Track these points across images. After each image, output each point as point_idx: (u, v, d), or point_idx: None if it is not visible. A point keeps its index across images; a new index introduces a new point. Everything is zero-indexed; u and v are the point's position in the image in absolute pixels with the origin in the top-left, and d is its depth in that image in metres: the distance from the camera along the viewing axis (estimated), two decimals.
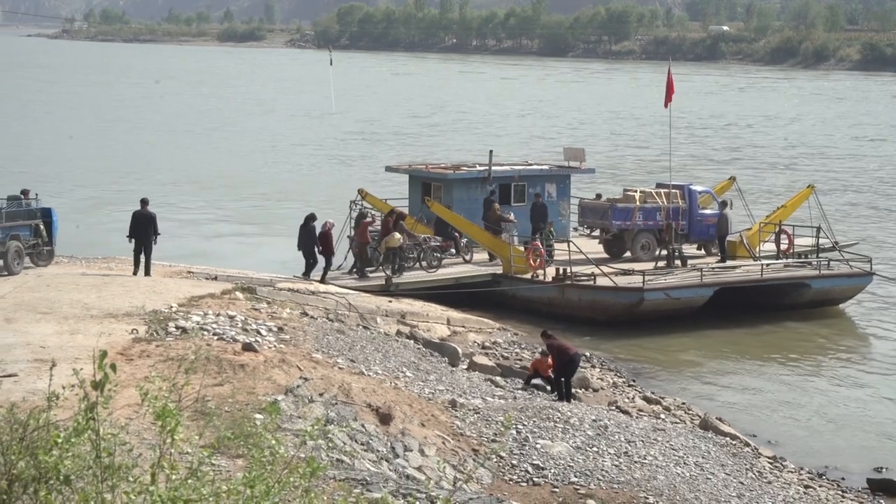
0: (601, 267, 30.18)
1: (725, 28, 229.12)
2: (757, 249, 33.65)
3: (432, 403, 18.71)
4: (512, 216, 32.66)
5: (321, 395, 16.83)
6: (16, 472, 6.75)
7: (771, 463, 19.75)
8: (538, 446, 17.42)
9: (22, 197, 26.69)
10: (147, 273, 25.56)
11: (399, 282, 29.61)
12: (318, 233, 29.15)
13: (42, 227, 26.12)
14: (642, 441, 18.47)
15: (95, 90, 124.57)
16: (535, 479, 16.43)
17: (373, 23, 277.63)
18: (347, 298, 25.93)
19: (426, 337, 25.06)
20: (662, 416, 21.63)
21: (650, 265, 31.52)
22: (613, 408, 21.65)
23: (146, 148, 70.53)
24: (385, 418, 16.71)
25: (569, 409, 19.64)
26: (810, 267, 32.53)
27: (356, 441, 15.67)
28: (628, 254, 33.03)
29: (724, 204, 33.96)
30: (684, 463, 18.04)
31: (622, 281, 29.82)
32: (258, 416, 14.32)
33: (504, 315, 29.40)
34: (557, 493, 16.12)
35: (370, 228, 30.69)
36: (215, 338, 19.21)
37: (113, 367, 6.60)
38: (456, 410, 18.60)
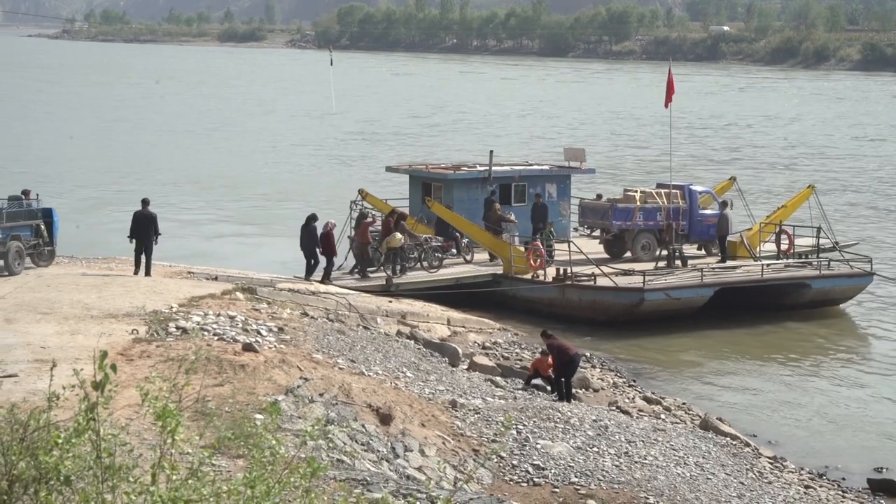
0: (601, 267, 30.18)
1: (726, 28, 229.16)
2: (757, 250, 33.65)
3: (432, 404, 18.71)
4: (512, 216, 32.65)
5: (321, 395, 16.83)
6: (16, 472, 6.76)
7: (771, 463, 19.74)
8: (538, 446, 17.42)
9: (23, 197, 26.68)
10: (147, 273, 25.56)
11: (399, 282, 29.62)
12: (319, 233, 29.15)
13: (43, 227, 26.12)
14: (643, 441, 18.46)
15: (96, 90, 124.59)
16: (535, 480, 16.42)
17: (373, 23, 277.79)
18: (348, 299, 25.90)
19: (426, 337, 25.04)
20: (663, 416, 21.62)
21: (650, 265, 31.52)
22: (614, 408, 21.64)
23: (146, 148, 70.53)
24: (385, 418, 16.70)
25: (569, 409, 19.64)
26: (810, 267, 32.53)
27: (356, 441, 15.67)
28: (629, 254, 33.02)
29: (724, 204, 33.95)
30: (685, 463, 18.04)
31: (622, 281, 29.82)
32: (258, 416, 14.31)
33: (504, 315, 29.39)
34: (558, 493, 16.12)
35: (371, 229, 30.71)
36: (215, 338, 19.20)
37: (113, 367, 6.60)
38: (456, 411, 18.59)
